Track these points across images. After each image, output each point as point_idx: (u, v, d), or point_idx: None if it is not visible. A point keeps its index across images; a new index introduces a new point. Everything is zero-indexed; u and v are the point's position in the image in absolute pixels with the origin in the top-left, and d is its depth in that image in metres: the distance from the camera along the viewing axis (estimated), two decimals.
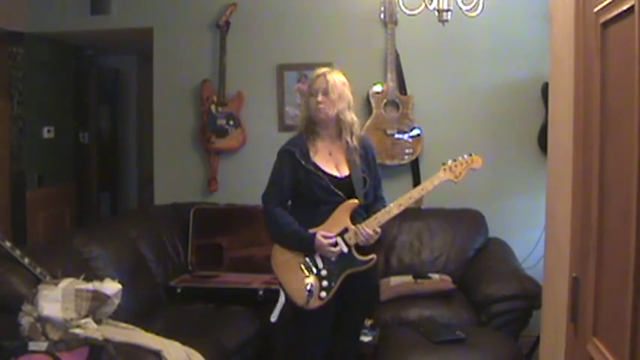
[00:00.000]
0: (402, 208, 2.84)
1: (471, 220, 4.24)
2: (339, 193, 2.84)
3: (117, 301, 3.03)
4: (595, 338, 1.50)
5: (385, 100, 4.36)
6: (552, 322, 2.02)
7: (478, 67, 4.41)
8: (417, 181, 4.40)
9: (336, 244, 2.81)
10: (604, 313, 1.48)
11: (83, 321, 2.86)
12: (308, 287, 2.79)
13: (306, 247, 2.83)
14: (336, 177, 2.86)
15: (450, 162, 2.92)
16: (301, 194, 2.89)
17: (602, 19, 1.48)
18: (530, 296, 3.41)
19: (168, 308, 3.75)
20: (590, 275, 1.56)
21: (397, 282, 3.86)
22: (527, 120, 4.32)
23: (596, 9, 1.52)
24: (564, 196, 1.87)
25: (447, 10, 3.43)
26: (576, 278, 1.67)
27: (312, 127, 2.90)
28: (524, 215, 4.26)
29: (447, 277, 3.88)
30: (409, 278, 3.87)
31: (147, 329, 3.13)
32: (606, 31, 1.48)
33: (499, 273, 3.71)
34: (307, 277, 2.82)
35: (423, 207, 4.39)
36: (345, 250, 2.83)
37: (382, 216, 2.83)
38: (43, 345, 2.70)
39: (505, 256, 3.97)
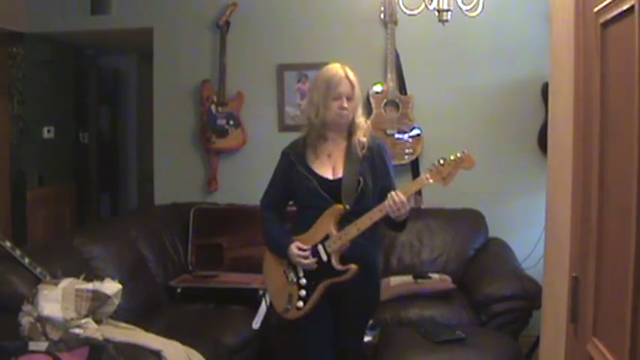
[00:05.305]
0: (383, 213, 2.58)
1: (471, 220, 4.24)
2: (327, 196, 2.67)
3: (117, 301, 3.03)
4: (595, 338, 1.50)
5: (385, 100, 4.37)
6: (552, 322, 2.01)
7: (478, 66, 4.41)
8: None
9: (311, 256, 2.66)
10: (604, 313, 1.48)
11: (83, 321, 2.86)
12: (288, 295, 2.73)
13: (284, 255, 2.73)
14: (326, 179, 2.70)
15: (436, 162, 2.61)
16: (296, 198, 2.82)
17: (602, 19, 1.48)
18: (530, 296, 3.41)
19: (168, 308, 3.76)
20: (590, 275, 1.56)
21: (397, 282, 3.86)
22: (527, 120, 4.32)
23: (596, 9, 1.52)
24: (564, 196, 1.87)
25: (447, 10, 3.43)
26: (576, 278, 1.67)
27: (320, 129, 2.73)
28: (524, 215, 4.26)
29: (447, 277, 3.88)
30: (409, 278, 3.86)
31: (147, 329, 3.14)
32: (606, 31, 1.48)
33: (499, 273, 3.71)
34: (288, 284, 2.74)
35: (423, 207, 4.40)
36: (325, 259, 2.66)
37: (362, 223, 2.61)
38: (43, 345, 2.70)
39: (505, 256, 3.97)
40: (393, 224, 2.69)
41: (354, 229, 2.61)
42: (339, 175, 2.71)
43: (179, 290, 3.91)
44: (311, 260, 2.67)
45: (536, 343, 3.49)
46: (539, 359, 2.35)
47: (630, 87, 1.27)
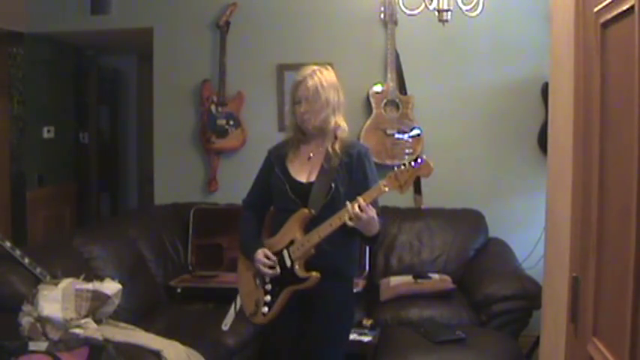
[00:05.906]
0: (342, 220, 2.46)
1: (471, 220, 4.24)
2: (296, 200, 2.60)
3: (117, 301, 3.04)
4: (595, 338, 1.50)
5: (385, 100, 4.36)
6: (552, 322, 2.01)
7: (478, 67, 4.41)
8: (416, 181, 4.40)
9: (277, 266, 2.60)
10: (604, 313, 1.48)
11: (83, 321, 2.87)
12: (255, 300, 2.70)
13: (251, 259, 2.68)
14: (298, 182, 2.62)
15: (396, 169, 2.48)
16: (273, 200, 2.75)
17: (602, 19, 1.48)
18: (530, 296, 3.41)
19: (168, 308, 3.76)
20: (590, 275, 1.56)
21: (397, 282, 3.86)
22: (527, 120, 4.32)
23: (596, 9, 1.52)
24: (564, 196, 1.87)
25: (447, 10, 3.43)
26: (576, 278, 1.67)
27: (296, 132, 2.69)
28: (524, 215, 4.26)
29: (447, 277, 3.88)
30: (409, 278, 3.87)
31: (147, 329, 3.14)
32: (606, 31, 1.48)
33: (499, 273, 3.71)
34: (256, 289, 2.70)
35: (423, 207, 4.40)
36: (289, 264, 2.59)
37: (323, 229, 2.50)
38: (43, 345, 2.70)
39: (505, 256, 3.97)
40: (364, 237, 2.57)
41: (316, 236, 2.53)
42: (313, 179, 2.62)
43: (179, 290, 3.91)
44: (273, 271, 2.61)
45: (536, 343, 3.49)
46: (539, 359, 2.35)
47: (630, 87, 1.27)
